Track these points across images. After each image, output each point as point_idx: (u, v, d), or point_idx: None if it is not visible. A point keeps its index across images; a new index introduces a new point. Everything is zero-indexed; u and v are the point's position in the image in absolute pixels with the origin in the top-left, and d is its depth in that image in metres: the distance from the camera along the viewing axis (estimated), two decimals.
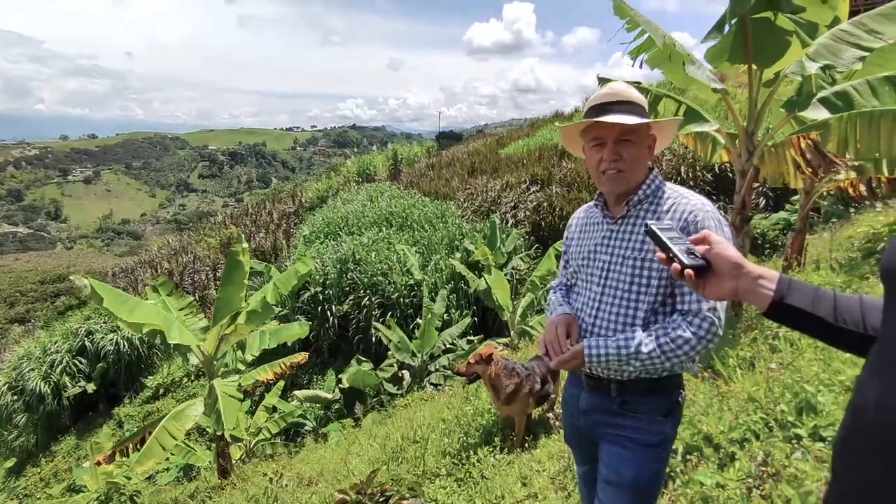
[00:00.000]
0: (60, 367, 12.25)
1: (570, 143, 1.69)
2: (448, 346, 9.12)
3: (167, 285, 4.59)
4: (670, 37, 2.92)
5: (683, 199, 1.45)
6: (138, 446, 3.77)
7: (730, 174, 9.69)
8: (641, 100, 1.50)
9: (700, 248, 0.98)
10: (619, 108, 1.44)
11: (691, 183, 11.83)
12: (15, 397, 12.05)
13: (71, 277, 3.72)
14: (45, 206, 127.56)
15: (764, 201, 10.84)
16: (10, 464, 11.77)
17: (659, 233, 1.01)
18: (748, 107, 3.25)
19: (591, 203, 1.70)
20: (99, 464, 3.85)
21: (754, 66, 3.00)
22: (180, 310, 4.24)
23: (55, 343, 12.75)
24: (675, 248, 0.96)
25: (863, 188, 4.38)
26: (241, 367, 4.29)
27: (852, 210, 7.49)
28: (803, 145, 2.78)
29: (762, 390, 2.11)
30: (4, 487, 11.44)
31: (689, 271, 0.93)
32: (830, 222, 7.59)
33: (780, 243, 8.49)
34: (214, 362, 3.99)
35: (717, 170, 11.47)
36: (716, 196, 11.11)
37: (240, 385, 3.91)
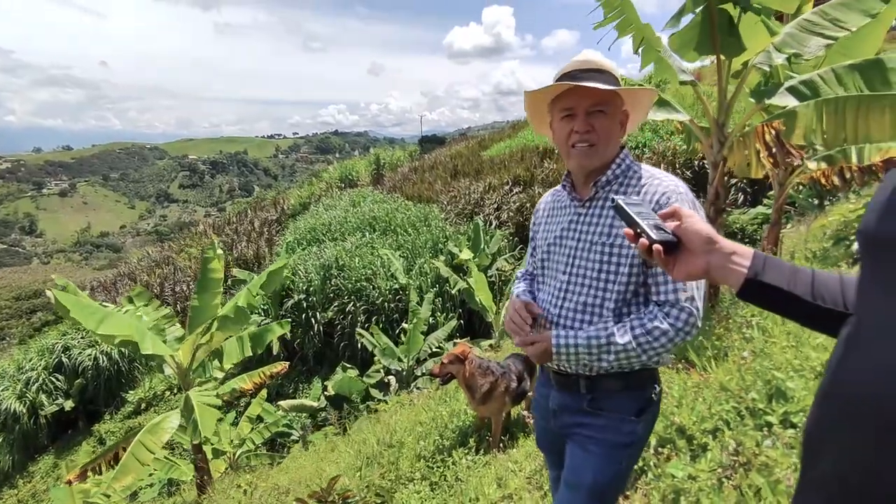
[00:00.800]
0: (36, 384, 11.93)
1: (536, 117, 1.55)
2: (435, 349, 9.07)
3: (144, 295, 4.47)
4: (647, 25, 2.92)
5: (655, 181, 1.36)
6: (111, 463, 3.66)
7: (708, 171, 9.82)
8: (615, 70, 1.41)
9: (670, 224, 0.92)
10: (593, 76, 1.34)
11: None
12: None
13: (46, 291, 3.60)
14: (19, 220, 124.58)
15: (742, 196, 11.02)
16: None
17: (626, 207, 0.96)
18: (718, 98, 3.28)
19: (559, 186, 1.59)
20: (70, 483, 3.72)
21: (722, 57, 3.02)
22: (157, 320, 4.12)
23: (30, 360, 12.42)
24: (644, 224, 0.91)
25: (835, 178, 4.43)
26: (219, 375, 4.19)
27: (827, 203, 7.63)
28: (767, 136, 2.80)
29: (735, 379, 2.09)
30: None
31: (657, 247, 0.87)
32: (805, 215, 7.74)
33: (758, 237, 8.62)
34: (191, 373, 3.89)
35: (696, 167, 11.64)
36: (696, 193, 11.25)
37: (218, 394, 3.81)
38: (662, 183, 1.35)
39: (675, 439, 1.92)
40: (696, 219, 0.89)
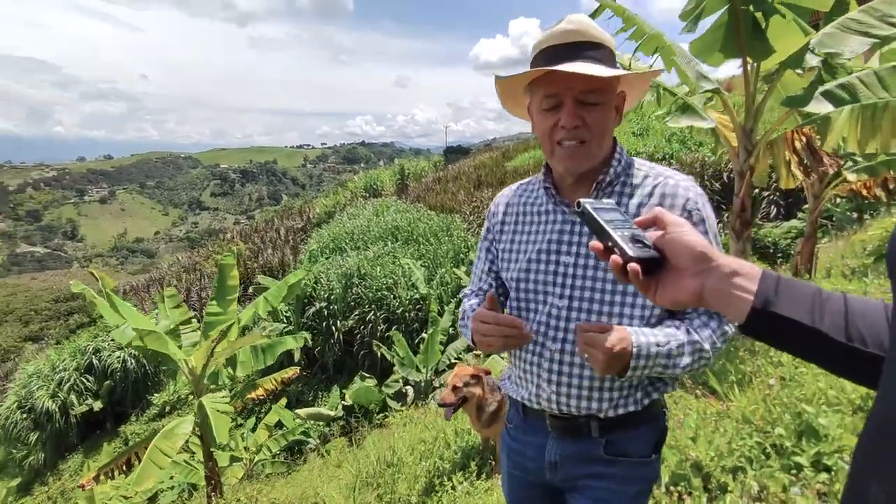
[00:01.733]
0: (68, 384, 12.28)
1: (509, 99, 1.23)
2: (453, 360, 8.95)
3: (175, 298, 4.51)
4: (657, 30, 2.79)
5: (670, 180, 1.09)
6: (124, 468, 3.67)
7: None
8: (610, 41, 1.09)
9: (651, 235, 0.71)
10: (584, 52, 1.03)
11: None
12: (24, 415, 12.08)
13: (71, 283, 3.68)
14: (62, 225, 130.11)
15: (775, 210, 10.62)
16: (16, 482, 11.74)
17: (595, 213, 0.72)
18: (745, 103, 3.09)
19: (525, 183, 1.29)
20: (83, 487, 3.75)
21: (749, 60, 2.85)
22: (180, 324, 4.14)
23: (63, 361, 12.80)
24: (616, 235, 0.68)
25: (878, 190, 4.15)
26: (231, 383, 4.19)
27: (867, 216, 7.25)
28: (797, 144, 2.62)
29: (759, 410, 1.86)
30: None
31: (633, 266, 0.65)
32: (843, 229, 7.37)
33: (791, 252, 8.25)
34: (204, 379, 3.90)
35: (725, 179, 11.28)
36: (724, 207, 10.91)
37: (230, 401, 3.80)
38: (681, 183, 1.09)
39: (689, 477, 1.70)
40: (685, 228, 0.68)
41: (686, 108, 3.17)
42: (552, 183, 1.19)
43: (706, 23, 2.75)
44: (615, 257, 0.67)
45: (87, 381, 12.60)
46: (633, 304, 1.07)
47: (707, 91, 2.83)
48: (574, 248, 1.13)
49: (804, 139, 2.57)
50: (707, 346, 1.03)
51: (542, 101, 1.08)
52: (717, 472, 1.69)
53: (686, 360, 1.03)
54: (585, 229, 1.12)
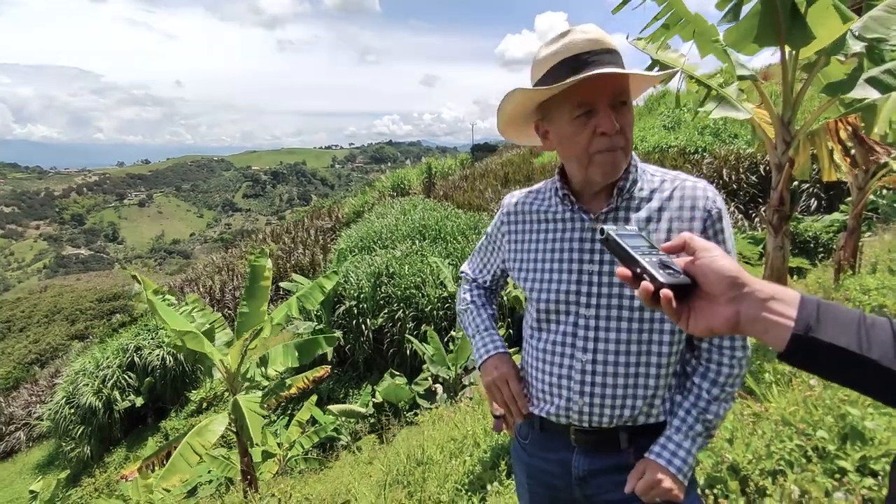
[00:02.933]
0: (111, 381, 12.79)
1: (513, 125, 1.21)
2: None
3: (198, 302, 4.65)
4: (697, 15, 2.69)
5: (687, 182, 1.07)
6: (164, 461, 3.82)
7: None
8: (620, 48, 1.10)
9: (680, 261, 0.68)
10: (609, 58, 1.02)
11: (734, 186, 11.29)
12: (72, 410, 12.64)
13: (132, 275, 3.83)
14: (103, 228, 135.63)
15: (816, 202, 10.22)
16: (65, 474, 12.31)
17: (620, 240, 0.70)
18: (783, 92, 2.96)
19: (535, 191, 1.26)
20: (125, 479, 3.91)
21: (788, 48, 2.73)
22: (211, 323, 4.27)
23: (107, 358, 13.34)
24: (644, 261, 0.67)
25: None
26: (265, 381, 4.29)
27: None
28: (842, 133, 2.48)
29: (800, 412, 1.78)
30: (62, 497, 11.95)
31: (665, 292, 0.63)
32: (889, 222, 7.03)
33: (834, 247, 7.93)
34: (238, 377, 4.01)
35: (762, 171, 10.91)
36: (761, 199, 10.55)
37: (264, 400, 3.90)
38: (698, 185, 1.07)
39: (726, 479, 1.65)
40: (716, 253, 0.66)
41: (720, 99, 3.07)
42: (568, 191, 1.16)
43: (742, 11, 2.66)
44: (646, 284, 0.65)
45: (129, 377, 13.11)
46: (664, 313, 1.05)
47: (743, 78, 2.71)
48: (597, 256, 1.11)
49: (850, 128, 2.44)
50: (716, 411, 1.07)
51: (575, 110, 1.04)
52: (755, 476, 1.63)
53: (717, 420, 1.07)
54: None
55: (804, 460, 1.59)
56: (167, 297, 4.13)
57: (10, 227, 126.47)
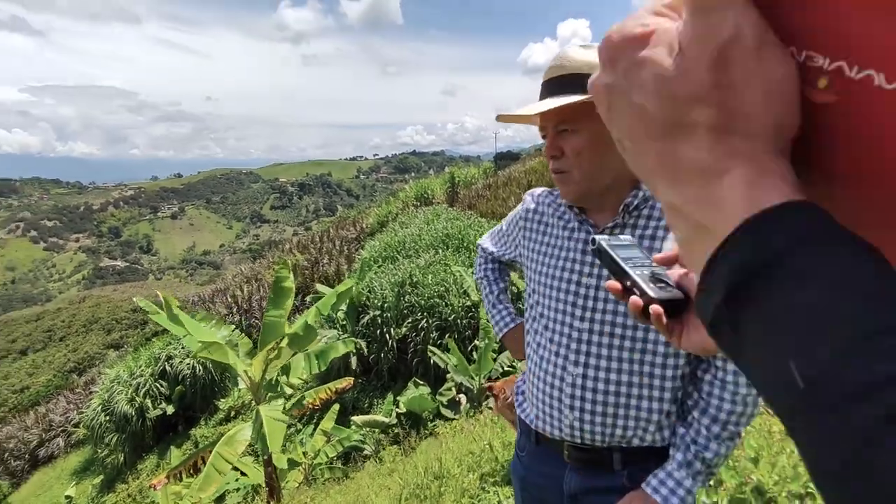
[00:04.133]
0: (144, 389, 13.14)
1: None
2: (506, 368, 8.87)
3: (210, 318, 4.76)
4: None
5: None
6: (191, 470, 3.90)
7: None
8: (594, 66, 1.08)
9: (673, 273, 0.64)
10: (558, 86, 1.04)
11: None
12: (107, 418, 13.01)
13: (134, 299, 3.96)
14: (138, 240, 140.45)
15: None
16: (99, 480, 12.67)
17: (611, 251, 0.66)
18: None
19: (556, 194, 1.25)
20: (154, 487, 4.00)
21: None
22: (230, 335, 4.37)
23: (140, 367, 13.72)
24: (635, 274, 0.63)
25: None
26: (289, 390, 4.35)
27: None
28: None
29: None
30: (97, 502, 12.30)
31: (655, 308, 0.59)
32: None
33: None
34: (262, 387, 4.07)
35: None
36: None
37: (285, 409, 3.95)
38: None
39: (750, 501, 1.55)
40: None
41: None
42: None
43: None
44: (635, 298, 0.60)
45: (161, 386, 13.44)
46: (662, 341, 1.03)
47: None
48: (596, 270, 1.11)
49: None
50: (716, 449, 1.00)
51: (540, 132, 1.12)
52: (782, 498, 1.52)
53: (718, 459, 1.01)
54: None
55: None
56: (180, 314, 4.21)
57: (52, 240, 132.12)
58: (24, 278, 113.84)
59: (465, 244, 13.51)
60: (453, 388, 8.79)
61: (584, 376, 1.09)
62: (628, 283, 0.62)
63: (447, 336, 10.36)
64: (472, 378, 8.47)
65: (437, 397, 8.74)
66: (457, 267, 11.76)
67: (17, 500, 13.95)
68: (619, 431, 1.08)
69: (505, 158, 33.75)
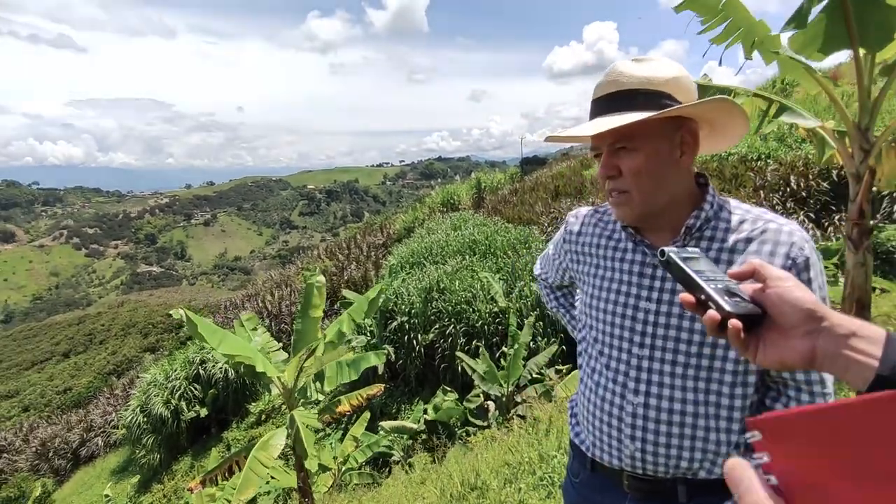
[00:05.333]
0: (179, 392, 13.51)
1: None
2: (535, 375, 8.77)
3: (252, 320, 4.87)
4: (760, 22, 2.54)
5: (771, 224, 0.95)
6: (226, 474, 3.98)
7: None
8: (653, 81, 0.98)
9: (748, 288, 0.63)
10: (614, 104, 0.99)
11: (804, 194, 10.61)
12: (144, 419, 13.42)
13: (171, 312, 4.06)
14: (173, 247, 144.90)
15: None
16: (136, 480, 13.05)
17: (682, 263, 0.65)
18: (858, 98, 2.74)
19: (602, 211, 1.20)
20: (191, 490, 4.10)
21: (862, 51, 2.53)
22: (265, 343, 4.46)
23: (175, 371, 14.11)
24: (709, 288, 0.61)
25: None
26: (321, 397, 4.41)
27: None
28: None
29: None
30: (134, 502, 12.67)
31: (735, 322, 0.58)
32: None
33: None
34: (295, 393, 4.13)
35: (834, 177, 10.19)
36: (835, 207, 9.84)
37: (319, 416, 3.99)
38: (783, 228, 0.94)
39: None
40: (790, 283, 0.59)
41: (784, 111, 2.89)
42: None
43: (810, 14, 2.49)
44: (712, 312, 0.60)
45: (195, 389, 13.79)
46: (725, 357, 0.96)
47: (821, 79, 2.50)
48: (655, 295, 1.04)
49: None
50: None
51: (591, 151, 1.08)
52: None
53: None
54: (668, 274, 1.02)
55: None
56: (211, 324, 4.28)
57: (92, 247, 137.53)
58: (66, 283, 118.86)
59: (491, 250, 13.45)
60: (481, 395, 8.73)
61: (646, 405, 1.03)
62: (702, 297, 0.62)
63: (474, 343, 10.32)
64: (501, 385, 8.40)
65: (465, 404, 8.70)
66: (484, 273, 11.71)
67: (60, 498, 14.49)
68: (684, 463, 1.02)
69: (531, 163, 33.56)
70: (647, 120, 0.94)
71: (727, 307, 0.59)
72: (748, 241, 0.96)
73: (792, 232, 0.94)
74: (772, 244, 0.93)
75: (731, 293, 0.61)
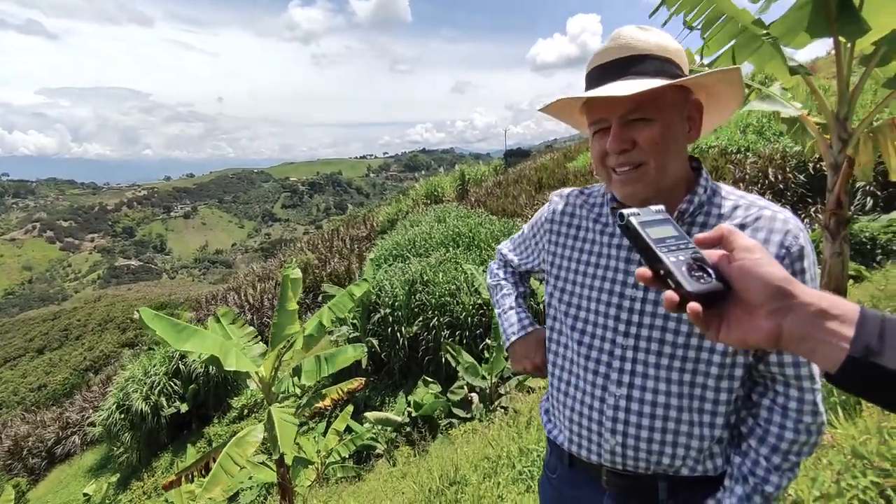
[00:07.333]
0: (158, 388, 13.27)
1: (569, 118, 1.12)
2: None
3: (229, 315, 4.77)
4: (744, 10, 2.51)
5: (766, 210, 0.91)
6: (203, 471, 3.89)
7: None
8: (667, 49, 0.93)
9: (715, 255, 0.58)
10: (628, 68, 0.91)
11: (781, 186, 10.79)
12: (121, 416, 13.17)
13: (134, 315, 3.91)
14: (152, 240, 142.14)
15: (871, 201, 9.63)
16: (115, 478, 12.82)
17: (641, 230, 0.59)
18: (838, 88, 2.75)
19: (589, 192, 1.13)
20: (165, 488, 4.01)
21: (842, 39, 2.53)
22: (242, 338, 4.36)
23: (154, 366, 13.86)
24: (669, 262, 0.56)
25: None
26: (299, 392, 4.34)
27: None
28: None
29: (873, 443, 1.54)
30: (113, 500, 12.45)
31: (693, 306, 0.53)
32: None
33: (894, 248, 7.43)
34: (272, 388, 4.05)
35: (811, 170, 10.37)
36: (811, 199, 10.02)
37: (297, 410, 3.93)
38: (778, 215, 0.90)
39: None
40: (758, 255, 0.55)
41: (764, 98, 2.88)
42: (618, 204, 1.03)
43: (788, 1, 2.47)
44: (670, 294, 0.55)
45: (175, 384, 13.57)
46: (712, 349, 0.92)
47: (792, 70, 2.50)
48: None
49: None
50: (777, 482, 0.90)
51: (592, 126, 0.98)
52: None
53: (778, 492, 0.92)
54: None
55: (882, 501, 1.36)
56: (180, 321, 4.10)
57: (67, 240, 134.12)
58: (40, 278, 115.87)
59: (475, 242, 13.45)
60: (465, 387, 8.74)
61: (629, 398, 0.98)
62: (662, 272, 0.56)
63: (458, 335, 10.33)
64: (484, 378, 8.42)
65: (449, 396, 8.70)
66: (468, 265, 11.71)
67: (35, 498, 14.17)
68: (665, 459, 0.97)
69: (515, 156, 33.57)
70: (666, 86, 0.87)
71: (687, 286, 0.54)
72: (742, 227, 0.91)
73: (787, 220, 0.90)
74: (766, 231, 0.89)
75: (694, 266, 0.56)
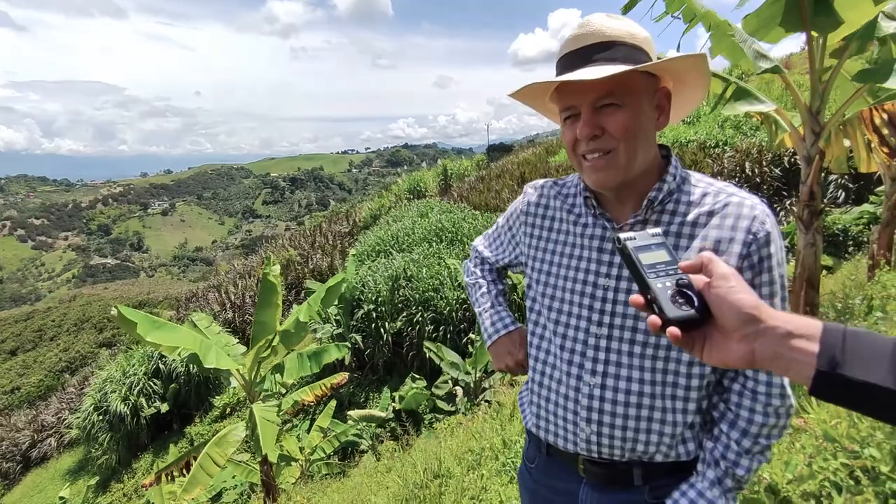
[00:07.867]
0: (138, 388, 13.02)
1: (542, 107, 1.12)
2: None
3: (205, 320, 4.69)
4: (709, 12, 2.56)
5: (733, 197, 0.92)
6: (184, 470, 3.84)
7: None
8: (636, 37, 0.93)
9: (698, 280, 0.62)
10: (595, 55, 0.91)
11: (758, 180, 11.01)
12: (100, 417, 12.90)
13: (111, 312, 3.82)
14: (129, 238, 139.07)
15: (843, 194, 9.88)
16: (95, 480, 12.57)
17: (634, 255, 0.64)
18: (810, 82, 2.81)
19: (562, 183, 1.14)
20: (146, 487, 3.94)
21: (814, 33, 2.58)
22: (219, 339, 4.29)
23: (133, 366, 13.59)
24: (657, 287, 0.61)
25: None
26: (282, 389, 4.30)
27: None
28: (877, 120, 2.34)
29: (844, 426, 1.59)
30: (92, 502, 12.21)
31: (672, 330, 0.58)
32: None
33: (865, 239, 7.65)
34: (254, 386, 4.01)
35: (786, 163, 10.61)
36: (787, 192, 10.25)
37: (279, 408, 3.89)
38: (745, 202, 0.91)
39: (763, 501, 1.48)
40: (732, 283, 0.60)
41: (741, 94, 2.93)
42: (592, 194, 1.03)
43: None
44: (653, 318, 0.61)
45: (155, 384, 13.33)
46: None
47: (766, 70, 2.56)
48: (615, 271, 1.00)
49: (886, 116, 2.30)
50: (747, 465, 0.93)
51: (563, 114, 0.98)
52: (797, 498, 1.46)
53: (749, 475, 0.95)
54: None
55: (851, 482, 1.42)
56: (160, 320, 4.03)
57: (40, 238, 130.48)
58: (12, 278, 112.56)
59: (458, 237, 13.46)
60: (449, 381, 8.78)
61: (603, 386, 1.00)
62: (649, 297, 0.62)
63: (442, 330, 10.34)
64: (468, 373, 8.46)
65: (434, 390, 8.73)
66: (451, 260, 11.72)
67: (10, 502, 13.84)
68: (640, 446, 0.99)
69: (498, 150, 33.66)
70: (636, 73, 0.89)
71: (668, 314, 0.60)
72: (710, 214, 0.93)
73: (754, 206, 0.91)
74: (733, 218, 0.91)
75: (678, 293, 0.62)
